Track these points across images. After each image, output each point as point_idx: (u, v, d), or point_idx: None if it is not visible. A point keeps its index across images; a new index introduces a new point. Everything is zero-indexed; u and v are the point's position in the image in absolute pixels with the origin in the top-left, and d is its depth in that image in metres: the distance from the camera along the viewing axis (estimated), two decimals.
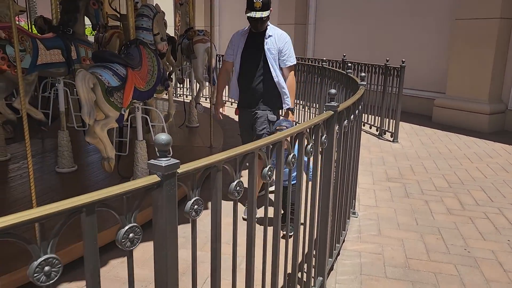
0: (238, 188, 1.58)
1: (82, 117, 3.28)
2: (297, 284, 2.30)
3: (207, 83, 6.40)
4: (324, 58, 7.59)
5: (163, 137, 1.27)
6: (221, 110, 3.81)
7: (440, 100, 8.06)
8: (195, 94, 6.72)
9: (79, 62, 4.46)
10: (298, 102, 7.71)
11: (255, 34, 3.54)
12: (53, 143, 5.31)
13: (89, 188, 4.06)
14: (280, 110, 3.78)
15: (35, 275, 0.97)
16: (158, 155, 1.27)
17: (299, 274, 2.33)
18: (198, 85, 6.55)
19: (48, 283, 1.00)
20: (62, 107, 4.37)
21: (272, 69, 3.51)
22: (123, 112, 3.47)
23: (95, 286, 1.12)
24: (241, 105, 3.73)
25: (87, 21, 4.92)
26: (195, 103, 6.39)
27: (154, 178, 1.23)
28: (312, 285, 2.49)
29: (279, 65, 3.57)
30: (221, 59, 9.84)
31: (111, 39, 6.99)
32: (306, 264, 2.44)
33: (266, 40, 3.50)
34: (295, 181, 2.27)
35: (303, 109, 7.53)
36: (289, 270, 2.17)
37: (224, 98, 4.05)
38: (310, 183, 2.45)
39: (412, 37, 8.91)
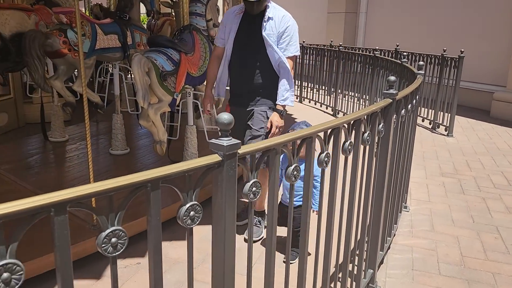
0: (295, 172, 1.55)
1: (137, 101, 3.36)
2: (348, 276, 2.25)
3: None
4: (377, 47, 7.34)
5: (226, 116, 1.26)
6: (208, 106, 3.14)
7: (500, 94, 7.61)
8: None
9: (134, 48, 4.58)
10: (345, 92, 7.56)
11: (251, 16, 2.85)
12: (107, 126, 5.52)
13: (141, 170, 4.19)
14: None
15: (102, 245, 1.00)
16: (220, 135, 1.26)
17: (350, 267, 2.28)
18: None
19: (114, 254, 1.02)
20: (117, 91, 4.51)
21: (276, 57, 2.82)
22: (175, 97, 3.53)
23: (157, 261, 1.14)
24: (233, 102, 3.04)
25: (142, 8, 5.04)
26: None
27: (216, 158, 1.23)
28: (363, 277, 2.43)
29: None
30: None
31: (163, 26, 7.13)
32: (357, 257, 2.38)
33: (264, 24, 2.81)
34: (300, 203, 2.02)
35: (351, 100, 7.36)
36: (340, 261, 2.13)
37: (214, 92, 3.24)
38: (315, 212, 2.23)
39: (471, 26, 8.44)
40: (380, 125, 2.27)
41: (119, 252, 1.02)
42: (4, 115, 5.47)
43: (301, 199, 2.18)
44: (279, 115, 2.87)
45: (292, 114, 7.61)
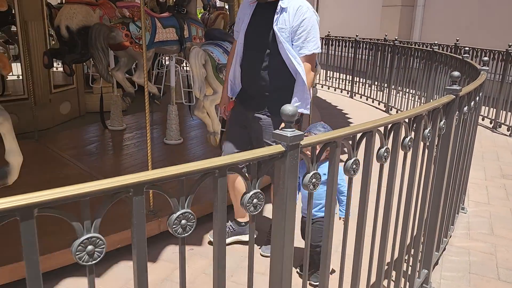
0: (354, 166, 1.54)
1: (193, 92, 3.46)
2: (402, 276, 2.21)
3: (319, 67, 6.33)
4: (436, 42, 7.06)
5: (290, 108, 1.28)
6: (225, 110, 2.81)
7: None
8: None
9: (190, 41, 4.69)
10: (399, 88, 7.34)
11: (263, 6, 2.45)
12: (161, 117, 5.72)
13: (193, 160, 4.31)
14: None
15: (173, 226, 1.05)
16: (284, 126, 1.29)
17: (404, 266, 2.24)
18: None
19: (184, 235, 1.08)
20: (173, 82, 4.65)
21: (288, 57, 2.36)
22: None
23: (222, 244, 1.18)
24: (242, 101, 2.64)
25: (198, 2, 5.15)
26: None
27: (279, 148, 1.25)
28: (417, 277, 2.38)
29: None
30: (325, 41, 9.73)
31: (216, 20, 7.25)
32: (412, 256, 2.33)
33: (276, 17, 2.37)
34: (322, 214, 1.98)
35: (404, 97, 7.14)
36: (394, 258, 2.10)
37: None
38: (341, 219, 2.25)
39: None
40: (442, 122, 2.20)
41: (187, 234, 1.07)
42: (67, 104, 5.81)
43: (323, 208, 2.02)
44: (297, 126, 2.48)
45: (342, 110, 7.51)
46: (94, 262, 0.92)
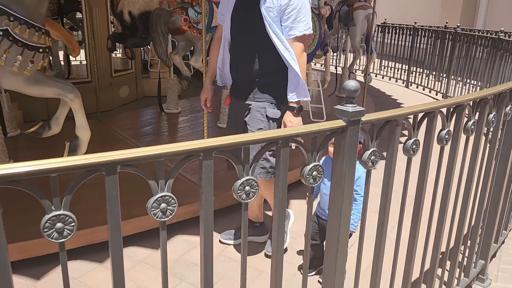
0: (414, 146, 1.53)
1: None
2: (457, 267, 2.16)
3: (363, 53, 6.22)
4: (502, 29, 6.65)
5: (352, 83, 1.29)
6: (207, 102, 2.55)
7: None
8: (349, 64, 6.60)
9: None
10: (458, 78, 7.02)
11: None
12: (215, 101, 5.83)
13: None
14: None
15: (238, 192, 1.11)
16: (345, 102, 1.30)
17: (460, 258, 2.18)
18: (353, 54, 6.41)
19: (247, 200, 1.13)
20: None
21: (275, 40, 2.17)
22: None
23: (281, 211, 1.23)
24: (233, 93, 2.46)
25: None
26: (348, 73, 6.29)
27: (340, 123, 1.27)
28: (473, 267, 2.31)
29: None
30: (381, 29, 9.46)
31: None
32: (469, 245, 2.27)
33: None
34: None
35: (465, 87, 6.82)
36: (450, 246, 2.06)
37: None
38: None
39: None
40: (508, 108, 2.11)
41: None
42: (126, 87, 6.08)
43: None
44: (293, 113, 2.25)
45: (397, 99, 7.30)
46: (167, 219, 1.00)
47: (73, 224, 0.87)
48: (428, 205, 1.76)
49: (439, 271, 2.06)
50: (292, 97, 2.23)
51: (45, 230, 0.84)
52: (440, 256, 2.00)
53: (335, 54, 6.83)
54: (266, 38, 2.17)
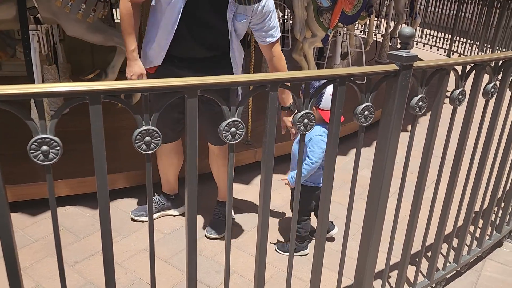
0: (460, 97, 1.60)
1: (294, 34, 3.58)
2: (489, 225, 2.24)
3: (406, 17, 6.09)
4: None
5: (407, 29, 1.37)
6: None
7: None
8: (391, 28, 6.48)
9: None
10: (503, 49, 6.78)
11: None
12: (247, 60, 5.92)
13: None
14: None
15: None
16: (399, 47, 1.39)
17: (492, 217, 2.26)
18: (397, 18, 6.27)
19: (148, 152, 1.25)
20: None
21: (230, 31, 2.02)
22: (328, 33, 3.66)
23: (331, 165, 1.35)
24: (171, 58, 2.08)
25: None
26: (390, 38, 6.19)
27: (393, 67, 1.36)
28: (506, 224, 2.39)
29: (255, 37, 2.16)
30: None
31: None
32: (502, 209, 2.34)
33: (230, 7, 1.95)
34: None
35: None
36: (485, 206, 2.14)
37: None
38: None
39: None
40: None
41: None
42: None
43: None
44: (289, 113, 2.22)
45: None
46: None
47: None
48: (466, 163, 1.85)
49: (471, 228, 2.15)
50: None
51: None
52: (473, 215, 2.09)
53: (375, 19, 6.71)
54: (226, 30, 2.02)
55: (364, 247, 1.60)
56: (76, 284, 1.94)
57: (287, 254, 2.00)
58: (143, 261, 2.14)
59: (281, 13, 5.66)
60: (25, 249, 2.17)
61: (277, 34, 2.11)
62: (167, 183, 2.56)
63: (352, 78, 1.28)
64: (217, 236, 2.36)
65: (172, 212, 2.58)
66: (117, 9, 5.38)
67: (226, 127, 1.11)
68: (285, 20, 5.57)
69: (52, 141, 0.91)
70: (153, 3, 2.02)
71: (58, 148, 0.92)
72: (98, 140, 0.98)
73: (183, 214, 2.59)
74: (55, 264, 2.05)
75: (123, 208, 2.57)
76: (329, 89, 1.78)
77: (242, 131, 1.13)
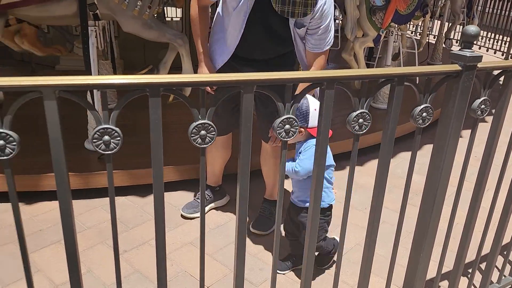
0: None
1: (345, 33, 3.52)
2: None
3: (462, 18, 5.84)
4: None
5: (472, 28, 1.30)
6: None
7: None
8: (445, 29, 6.23)
9: None
10: None
11: None
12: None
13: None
14: None
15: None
16: (462, 46, 1.32)
17: None
18: (453, 18, 6.02)
19: (203, 146, 1.22)
20: None
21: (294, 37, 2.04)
22: (381, 33, 3.56)
23: (386, 163, 1.31)
24: (235, 59, 2.13)
25: None
26: (445, 39, 5.94)
27: (455, 67, 1.30)
28: None
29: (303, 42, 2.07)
30: None
31: None
32: None
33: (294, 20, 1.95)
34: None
35: None
36: None
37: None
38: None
39: None
40: None
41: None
42: None
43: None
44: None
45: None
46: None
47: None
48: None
49: None
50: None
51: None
52: None
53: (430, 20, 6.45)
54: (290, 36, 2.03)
55: (415, 254, 1.55)
56: (125, 272, 2.00)
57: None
58: (189, 254, 2.18)
59: None
60: (78, 236, 2.26)
61: (326, 46, 2.03)
62: (213, 176, 2.60)
63: (411, 78, 1.24)
64: (262, 232, 2.37)
65: (218, 203, 2.62)
66: (168, 7, 5.53)
67: (281, 124, 1.10)
68: (335, 20, 5.49)
69: (114, 131, 0.94)
70: (219, 9, 2.08)
71: (118, 138, 0.95)
72: (156, 131, 1.01)
73: (225, 205, 2.64)
74: (105, 251, 2.17)
75: (169, 201, 2.62)
76: (312, 105, 1.84)
77: (296, 129, 1.12)
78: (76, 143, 2.90)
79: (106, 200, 2.66)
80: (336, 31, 4.97)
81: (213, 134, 1.03)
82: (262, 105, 2.19)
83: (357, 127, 1.21)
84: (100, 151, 0.96)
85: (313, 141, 1.87)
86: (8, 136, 0.89)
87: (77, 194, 2.58)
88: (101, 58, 3.47)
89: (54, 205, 2.54)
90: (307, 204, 1.70)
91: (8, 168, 0.94)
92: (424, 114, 1.30)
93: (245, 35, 2.03)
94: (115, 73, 3.76)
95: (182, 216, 2.51)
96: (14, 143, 0.90)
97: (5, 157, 0.90)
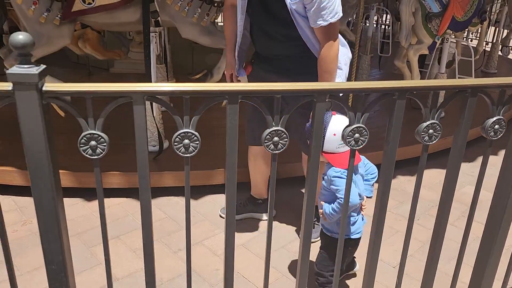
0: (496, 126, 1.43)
1: (399, 40, 3.46)
2: None
3: None
4: None
5: None
6: (231, 76, 2.28)
7: None
8: (502, 36, 5.97)
9: None
10: None
11: None
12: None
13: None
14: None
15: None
16: None
17: None
18: (511, 25, 5.77)
19: (186, 155, 1.21)
20: (370, 32, 4.68)
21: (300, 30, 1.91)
22: (436, 40, 3.48)
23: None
24: (258, 62, 2.19)
25: None
26: (501, 46, 5.71)
27: None
28: None
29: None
30: None
31: None
32: None
33: None
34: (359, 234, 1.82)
35: None
36: None
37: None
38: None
39: None
40: None
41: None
42: None
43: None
44: None
45: None
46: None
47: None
48: None
49: None
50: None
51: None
52: None
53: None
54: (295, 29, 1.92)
55: (479, 272, 1.50)
56: (179, 270, 2.07)
57: None
58: (241, 256, 2.22)
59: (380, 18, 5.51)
60: (135, 232, 2.37)
61: (330, 18, 1.80)
62: (255, 187, 2.57)
63: (485, 90, 1.22)
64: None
65: (257, 215, 2.58)
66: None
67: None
68: (386, 26, 5.41)
69: (193, 136, 1.00)
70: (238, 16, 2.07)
71: (197, 142, 1.01)
72: (232, 136, 1.05)
73: (277, 209, 2.63)
74: (158, 249, 2.24)
75: (222, 203, 2.68)
76: (332, 127, 1.67)
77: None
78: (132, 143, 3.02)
79: (159, 199, 2.78)
80: (386, 37, 4.91)
81: (286, 141, 1.05)
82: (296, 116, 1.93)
83: (426, 138, 1.20)
84: (180, 154, 1.01)
85: (332, 172, 1.71)
86: (100, 137, 0.96)
87: (133, 193, 2.69)
88: (157, 62, 3.60)
89: (112, 202, 2.66)
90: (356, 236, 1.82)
91: (97, 167, 1.01)
92: (497, 126, 1.27)
93: (253, 29, 2.08)
94: (167, 76, 3.87)
95: (220, 216, 2.59)
96: (105, 144, 0.97)
97: (95, 157, 0.97)
